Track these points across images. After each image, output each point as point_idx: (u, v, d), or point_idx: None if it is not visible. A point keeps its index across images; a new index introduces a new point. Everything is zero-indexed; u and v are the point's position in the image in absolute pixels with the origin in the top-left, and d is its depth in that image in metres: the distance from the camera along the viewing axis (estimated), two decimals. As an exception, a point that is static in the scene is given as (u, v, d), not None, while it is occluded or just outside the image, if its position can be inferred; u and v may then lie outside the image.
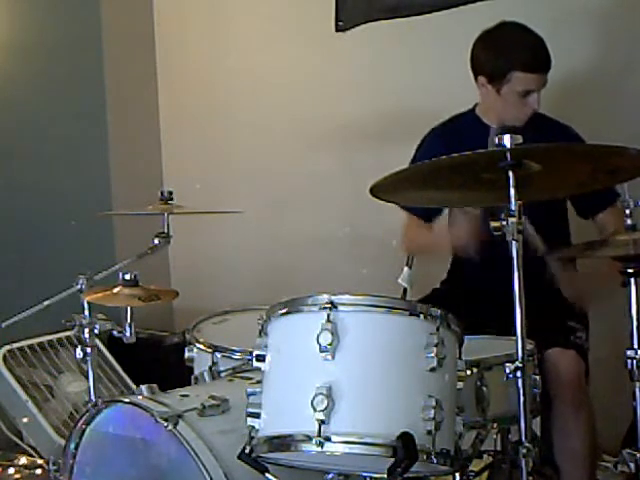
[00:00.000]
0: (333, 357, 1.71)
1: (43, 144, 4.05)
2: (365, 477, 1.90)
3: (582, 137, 2.65)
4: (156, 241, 2.70)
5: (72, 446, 2.19)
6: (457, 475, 2.02)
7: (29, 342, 3.50)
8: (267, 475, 1.83)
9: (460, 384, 1.82)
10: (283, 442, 1.73)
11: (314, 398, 1.68)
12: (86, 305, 2.47)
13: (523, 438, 1.85)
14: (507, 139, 1.86)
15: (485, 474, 2.40)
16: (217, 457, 1.96)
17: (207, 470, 1.94)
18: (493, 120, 2.67)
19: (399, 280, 2.69)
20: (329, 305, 1.74)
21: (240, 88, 3.97)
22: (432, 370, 1.73)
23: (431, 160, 1.99)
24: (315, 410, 1.67)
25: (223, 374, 2.39)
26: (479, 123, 2.71)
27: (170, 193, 2.70)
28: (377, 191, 2.01)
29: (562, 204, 2.70)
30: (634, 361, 2.04)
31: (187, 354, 2.57)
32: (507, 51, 2.58)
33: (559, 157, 1.96)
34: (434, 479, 1.93)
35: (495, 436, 2.42)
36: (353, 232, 3.71)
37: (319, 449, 1.67)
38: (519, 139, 1.87)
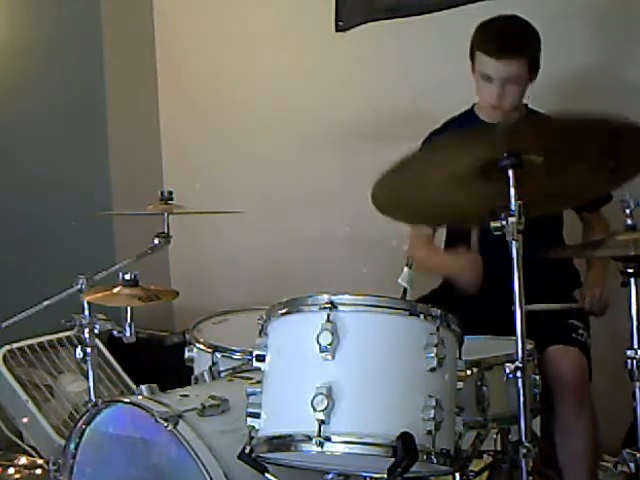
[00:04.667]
0: (333, 357, 1.71)
1: (43, 144, 4.05)
2: (365, 477, 1.90)
3: None
4: (156, 241, 2.70)
5: (72, 446, 2.19)
6: (457, 475, 2.02)
7: (29, 342, 3.50)
8: (267, 475, 1.83)
9: (460, 384, 1.82)
10: (283, 442, 1.73)
11: (314, 398, 1.68)
12: (86, 305, 2.47)
13: (523, 438, 1.85)
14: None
15: (485, 474, 2.40)
16: (217, 457, 1.96)
17: (207, 470, 1.94)
18: (488, 116, 2.68)
19: (399, 280, 2.67)
20: (329, 305, 1.74)
21: (240, 88, 3.97)
22: (432, 370, 1.73)
23: (424, 145, 1.98)
24: (315, 410, 1.68)
25: (223, 374, 2.39)
26: (477, 121, 2.71)
27: (170, 193, 2.71)
28: (377, 196, 2.01)
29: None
30: (634, 361, 2.04)
31: (187, 354, 2.58)
32: (479, 30, 2.61)
33: (559, 150, 1.95)
34: (434, 479, 1.93)
35: (495, 436, 2.42)
36: (353, 232, 3.71)
37: (319, 449, 1.67)
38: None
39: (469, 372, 2.05)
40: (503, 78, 2.54)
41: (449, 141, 1.95)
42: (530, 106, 2.71)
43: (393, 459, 1.66)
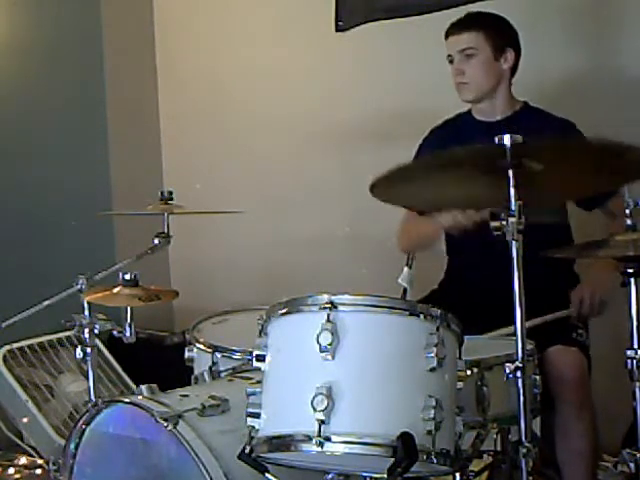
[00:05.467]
0: (333, 357, 1.71)
1: (43, 144, 4.05)
2: (365, 477, 1.90)
3: (584, 135, 2.64)
4: (156, 241, 2.70)
5: (72, 446, 2.19)
6: (457, 475, 2.02)
7: (29, 342, 3.50)
8: (267, 475, 1.83)
9: (460, 384, 1.82)
10: (283, 442, 1.73)
11: (314, 398, 1.68)
12: (86, 305, 2.47)
13: (523, 438, 1.85)
14: (507, 138, 1.86)
15: (485, 474, 2.40)
16: (217, 457, 1.96)
17: (207, 470, 1.94)
18: (483, 116, 2.70)
19: (399, 280, 2.68)
20: (329, 305, 1.74)
21: (240, 88, 3.98)
22: (432, 370, 1.73)
23: (429, 154, 1.99)
24: (315, 410, 1.67)
25: (223, 374, 2.39)
26: (474, 121, 2.73)
27: (170, 193, 2.70)
28: (377, 189, 2.00)
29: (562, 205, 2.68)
30: (634, 361, 2.03)
31: (187, 354, 2.57)
32: None
33: (559, 155, 1.96)
34: (434, 479, 1.93)
35: (495, 436, 2.42)
36: (353, 232, 3.71)
37: (319, 449, 1.67)
38: (519, 139, 1.87)
39: (469, 372, 2.05)
40: (457, 52, 2.66)
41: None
42: (531, 104, 2.72)
43: (393, 459, 1.66)
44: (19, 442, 3.40)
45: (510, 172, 1.88)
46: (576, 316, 2.53)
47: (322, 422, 1.67)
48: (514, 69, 2.68)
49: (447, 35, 2.69)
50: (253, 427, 1.79)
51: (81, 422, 2.19)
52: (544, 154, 1.91)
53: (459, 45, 2.65)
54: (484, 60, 2.63)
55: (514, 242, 1.86)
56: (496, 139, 1.87)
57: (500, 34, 2.66)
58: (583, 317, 2.55)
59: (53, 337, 3.53)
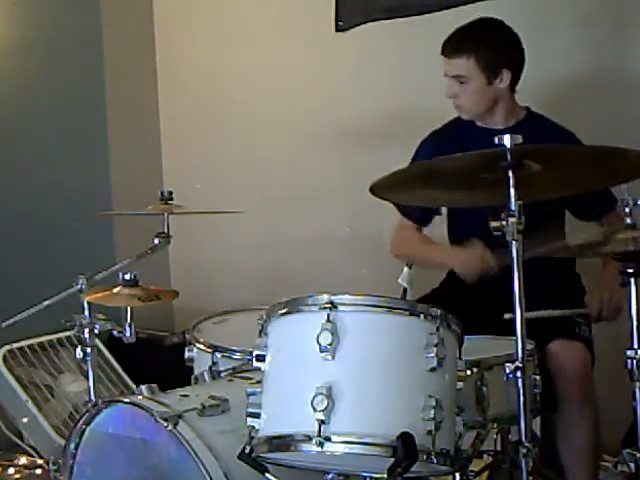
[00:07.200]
0: (333, 357, 1.72)
1: (43, 144, 4.05)
2: (365, 477, 1.90)
3: (583, 144, 2.64)
4: (156, 241, 2.70)
5: (72, 446, 2.19)
6: (457, 475, 2.02)
7: (29, 342, 3.50)
8: (267, 475, 1.83)
9: (460, 384, 1.83)
10: (283, 442, 1.73)
11: (314, 398, 1.68)
12: (86, 305, 2.47)
13: (523, 438, 1.85)
14: (507, 139, 1.87)
15: (485, 474, 2.40)
16: (217, 457, 1.97)
17: (207, 470, 1.94)
18: (484, 122, 2.69)
19: (399, 280, 2.68)
20: (329, 305, 1.74)
21: (240, 88, 3.97)
22: (432, 370, 1.73)
23: (430, 160, 1.99)
24: (315, 410, 1.68)
25: (223, 374, 2.39)
26: (473, 126, 2.71)
27: (170, 193, 2.70)
28: (377, 190, 2.01)
29: (558, 206, 2.67)
30: (634, 361, 2.03)
31: (187, 354, 2.58)
32: None
33: (559, 158, 1.96)
34: (434, 479, 1.93)
35: (495, 436, 2.42)
36: (353, 232, 3.71)
37: (319, 449, 1.68)
38: (519, 139, 1.87)
39: (469, 372, 2.05)
40: (450, 75, 2.61)
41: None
42: (533, 109, 2.71)
43: (393, 459, 1.66)
44: (19, 442, 3.40)
45: (510, 172, 1.89)
46: (595, 316, 2.50)
47: (322, 422, 1.67)
48: (515, 81, 2.61)
49: (442, 53, 2.62)
50: (253, 427, 1.79)
51: (81, 422, 2.19)
52: (542, 157, 1.92)
53: (451, 70, 2.58)
54: (476, 87, 2.56)
55: (514, 242, 1.86)
56: (496, 139, 1.87)
57: (494, 56, 2.56)
58: (602, 318, 2.51)
59: (53, 337, 3.52)
